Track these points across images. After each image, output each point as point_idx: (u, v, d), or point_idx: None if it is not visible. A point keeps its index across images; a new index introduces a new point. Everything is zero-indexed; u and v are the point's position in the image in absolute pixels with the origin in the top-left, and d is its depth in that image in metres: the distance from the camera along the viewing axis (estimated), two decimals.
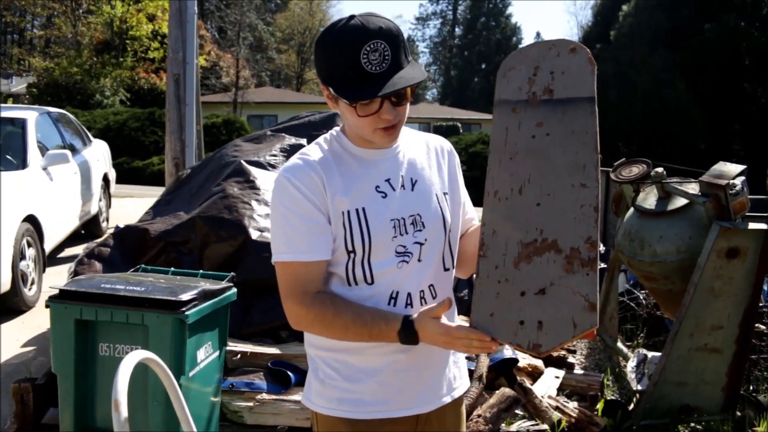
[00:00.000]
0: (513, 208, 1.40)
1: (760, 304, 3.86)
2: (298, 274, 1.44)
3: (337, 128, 1.55)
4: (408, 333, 1.39)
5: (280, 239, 1.45)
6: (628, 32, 30.18)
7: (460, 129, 29.60)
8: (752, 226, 3.44)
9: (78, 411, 2.64)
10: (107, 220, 8.31)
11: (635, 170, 4.02)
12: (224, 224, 4.15)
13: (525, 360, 3.89)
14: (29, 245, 5.18)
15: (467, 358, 2.25)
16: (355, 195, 1.45)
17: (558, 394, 3.66)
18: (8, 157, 5.74)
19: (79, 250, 5.81)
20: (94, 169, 7.67)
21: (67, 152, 6.32)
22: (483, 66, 57.37)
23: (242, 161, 4.72)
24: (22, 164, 5.71)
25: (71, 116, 8.16)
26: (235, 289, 3.01)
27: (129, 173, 18.11)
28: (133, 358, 1.28)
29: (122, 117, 21.49)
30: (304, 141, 5.07)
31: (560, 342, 1.30)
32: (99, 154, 8.24)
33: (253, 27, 36.11)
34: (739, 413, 3.57)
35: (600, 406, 3.52)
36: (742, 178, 3.47)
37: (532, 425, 3.32)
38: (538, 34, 68.34)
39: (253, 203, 4.32)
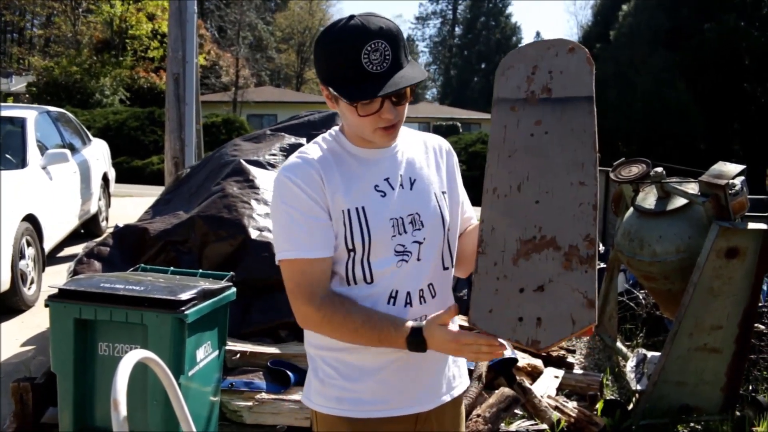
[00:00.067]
0: (512, 206, 1.41)
1: (760, 304, 3.86)
2: (305, 272, 1.43)
3: (336, 128, 1.55)
4: (416, 340, 1.39)
5: (284, 237, 1.45)
6: (628, 32, 30.19)
7: (460, 128, 29.60)
8: (752, 226, 3.44)
9: (77, 410, 2.64)
10: (107, 219, 8.31)
11: (635, 170, 4.02)
12: (224, 223, 4.15)
13: (524, 360, 3.89)
14: (29, 244, 5.18)
15: None
16: (355, 194, 1.45)
17: (557, 394, 3.66)
18: (8, 156, 5.73)
19: (78, 249, 5.81)
20: (94, 169, 7.67)
21: (67, 151, 6.32)
22: (483, 66, 57.38)
23: (242, 160, 4.72)
24: (22, 163, 5.70)
25: (71, 115, 8.16)
26: (234, 289, 3.01)
27: (128, 172, 18.10)
28: (132, 357, 1.28)
29: (122, 116, 21.49)
30: (303, 140, 5.06)
31: (559, 338, 1.30)
32: (98, 153, 8.23)
33: (253, 26, 36.10)
34: (738, 413, 3.57)
35: (599, 405, 3.52)
36: (742, 178, 3.47)
37: (532, 425, 3.32)
38: (537, 34, 68.35)
39: (253, 203, 4.32)
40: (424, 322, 1.40)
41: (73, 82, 23.13)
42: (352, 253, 1.45)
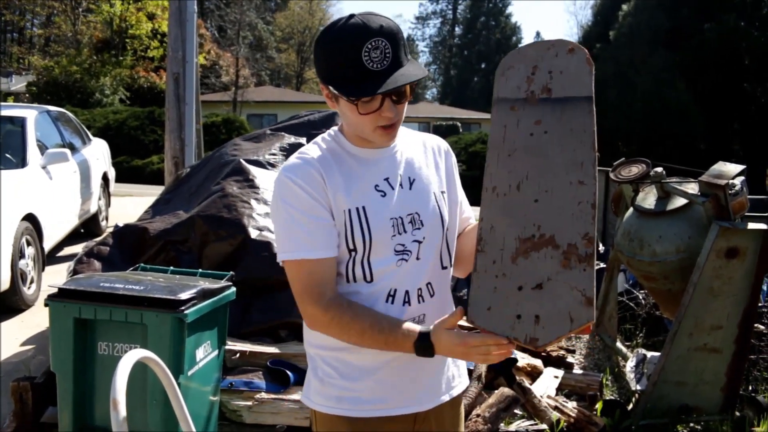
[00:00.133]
0: (511, 204, 1.42)
1: (759, 304, 3.86)
2: (312, 272, 1.43)
3: (335, 128, 1.55)
4: (424, 345, 1.39)
5: (288, 238, 1.44)
6: (628, 32, 30.19)
7: (460, 128, 29.60)
8: (751, 226, 3.44)
9: (77, 410, 2.64)
10: (107, 218, 8.31)
11: (635, 170, 4.02)
12: (223, 223, 4.15)
13: (524, 360, 3.89)
14: (28, 244, 5.18)
15: None
16: (355, 194, 1.45)
17: (557, 394, 3.66)
18: (8, 155, 5.73)
19: (78, 248, 5.80)
20: (94, 168, 7.67)
21: (67, 151, 6.32)
22: (483, 65, 57.38)
23: (241, 160, 4.72)
24: (22, 163, 5.70)
25: (71, 115, 8.16)
26: (234, 288, 3.01)
27: (128, 172, 18.09)
28: (131, 357, 1.28)
29: (122, 116, 21.48)
30: (303, 140, 5.07)
31: (557, 336, 1.31)
32: (98, 152, 8.23)
33: (253, 26, 36.09)
34: (738, 413, 3.57)
35: (599, 405, 3.52)
36: (742, 178, 3.47)
37: (531, 425, 3.32)
38: (537, 34, 68.37)
39: (253, 202, 4.32)
40: (431, 327, 1.40)
41: (73, 82, 23.13)
42: (353, 253, 1.46)
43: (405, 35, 1.44)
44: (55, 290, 2.62)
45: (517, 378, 3.56)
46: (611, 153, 18.01)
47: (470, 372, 3.41)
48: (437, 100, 54.89)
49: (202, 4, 33.03)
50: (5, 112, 6.26)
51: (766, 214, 3.99)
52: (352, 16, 1.38)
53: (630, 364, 4.16)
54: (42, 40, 32.69)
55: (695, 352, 3.55)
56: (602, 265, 5.25)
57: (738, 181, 3.43)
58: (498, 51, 53.71)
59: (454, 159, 1.67)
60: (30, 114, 6.37)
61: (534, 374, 3.87)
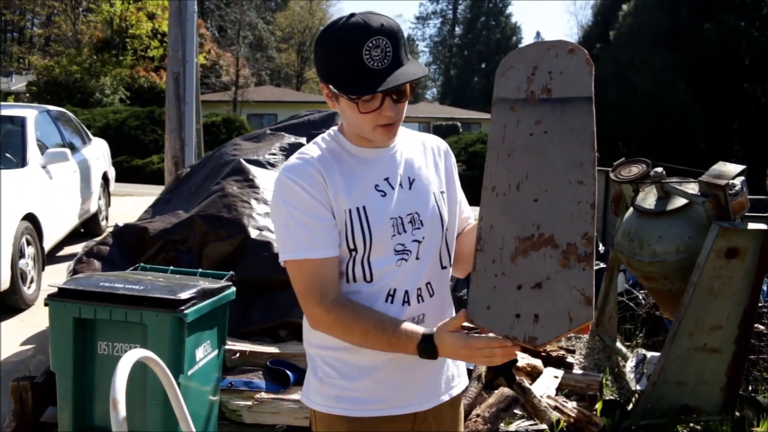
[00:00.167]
0: (510, 204, 1.42)
1: (759, 304, 3.86)
2: (314, 272, 1.42)
3: (334, 128, 1.55)
4: (427, 347, 1.38)
5: (290, 238, 1.44)
6: (628, 32, 30.19)
7: (460, 128, 29.60)
8: (751, 226, 3.44)
9: (76, 409, 2.64)
10: (106, 218, 8.31)
11: (635, 170, 4.02)
12: (223, 223, 4.15)
13: (524, 360, 3.89)
14: (28, 243, 5.18)
15: None
16: (356, 194, 1.46)
17: (557, 394, 3.66)
18: (8, 155, 5.73)
19: (78, 248, 5.80)
20: (94, 168, 7.67)
21: (67, 151, 6.32)
22: (483, 65, 57.38)
23: (241, 160, 4.72)
24: (22, 162, 5.70)
25: (71, 114, 8.16)
26: (234, 288, 3.01)
27: (128, 172, 18.09)
28: (131, 356, 1.28)
29: (122, 115, 21.48)
30: (303, 140, 5.07)
31: (556, 335, 1.31)
32: (98, 152, 8.23)
33: (253, 26, 36.08)
34: (738, 413, 3.57)
35: (599, 406, 3.52)
36: (742, 178, 3.47)
37: (531, 425, 3.32)
38: (538, 34, 68.38)
39: (253, 202, 4.32)
40: (435, 329, 1.39)
41: (73, 82, 23.12)
42: (353, 253, 1.46)
43: (405, 35, 1.44)
44: (55, 290, 2.62)
45: (517, 378, 3.56)
46: (611, 153, 18.00)
47: (470, 372, 3.41)
48: (437, 100, 54.89)
49: (203, 4, 33.04)
50: (5, 112, 6.26)
51: (766, 215, 3.99)
52: (352, 15, 1.39)
53: (630, 364, 4.16)
54: (42, 40, 32.69)
55: (695, 352, 3.55)
56: (602, 265, 5.25)
57: (738, 181, 3.43)
58: (498, 51, 53.70)
59: (453, 159, 1.67)
60: (30, 113, 6.37)
61: (534, 374, 3.87)
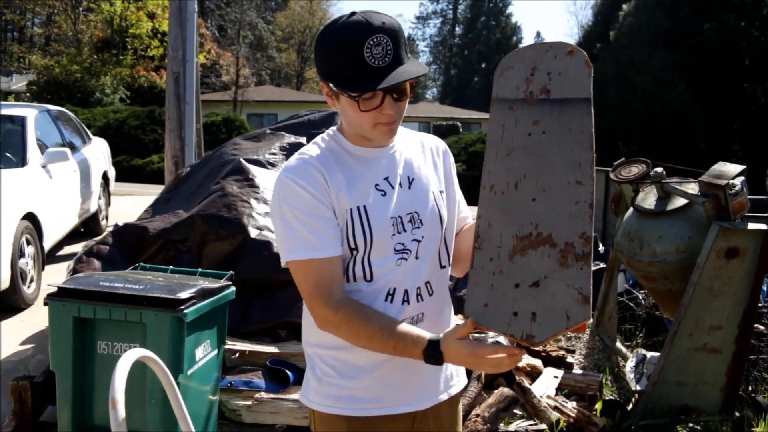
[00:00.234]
0: (509, 203, 1.43)
1: (759, 305, 3.86)
2: (320, 272, 1.42)
3: (333, 128, 1.55)
4: (433, 353, 1.38)
5: (294, 239, 1.43)
6: (628, 32, 30.17)
7: (460, 128, 29.60)
8: (751, 226, 3.44)
9: (76, 409, 2.64)
10: (106, 218, 8.31)
11: (635, 170, 4.02)
12: (223, 223, 4.15)
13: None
14: (28, 243, 5.18)
15: None
16: (357, 193, 1.46)
17: (557, 394, 3.66)
18: (8, 154, 5.73)
19: (78, 248, 5.81)
20: (94, 167, 7.67)
21: (67, 150, 6.32)
22: (483, 65, 57.37)
23: (241, 159, 4.72)
24: (22, 162, 5.70)
25: (71, 114, 8.16)
26: (233, 288, 3.01)
27: (128, 171, 18.09)
28: (130, 356, 1.28)
29: (122, 115, 21.48)
30: (303, 139, 5.07)
31: (553, 333, 1.31)
32: (98, 152, 8.24)
33: (254, 25, 36.09)
34: (737, 414, 3.57)
35: (599, 406, 3.52)
36: (742, 178, 3.47)
37: (531, 425, 3.32)
38: (538, 34, 68.41)
39: (253, 202, 4.32)
40: (441, 335, 1.39)
41: (73, 81, 23.12)
42: (354, 252, 1.46)
43: (405, 35, 1.45)
44: (55, 289, 2.62)
45: (517, 378, 3.56)
46: (611, 153, 18.00)
47: (469, 372, 3.41)
48: (437, 99, 54.89)
49: (203, 4, 33.02)
50: (5, 111, 6.26)
51: (766, 215, 3.99)
52: (353, 13, 1.39)
53: (630, 365, 4.16)
54: (42, 39, 32.68)
55: (695, 353, 3.55)
56: (602, 265, 5.25)
57: (738, 181, 3.43)
58: (498, 51, 53.69)
59: (452, 159, 1.68)
60: (30, 113, 6.37)
61: (534, 374, 3.87)
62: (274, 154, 4.91)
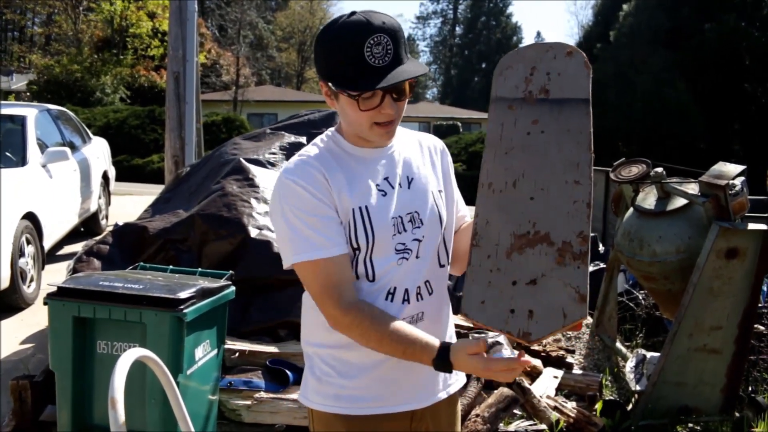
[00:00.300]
0: (507, 201, 1.43)
1: (759, 305, 3.86)
2: (328, 271, 1.42)
3: (332, 129, 1.55)
4: (443, 363, 1.38)
5: (299, 240, 1.42)
6: (629, 32, 30.15)
7: (460, 128, 29.60)
8: (752, 226, 3.44)
9: (76, 408, 2.64)
10: (106, 217, 8.31)
11: (635, 170, 4.01)
12: (223, 222, 4.15)
13: None
14: (28, 242, 5.18)
15: None
16: (358, 193, 1.46)
17: (556, 394, 3.66)
18: (8, 154, 5.73)
19: (78, 247, 5.81)
20: (94, 167, 7.67)
21: (67, 150, 6.32)
22: (483, 65, 57.36)
23: (241, 159, 4.72)
24: (22, 161, 5.70)
25: (71, 113, 8.16)
26: (233, 288, 3.01)
27: (129, 171, 18.09)
28: (130, 356, 1.28)
29: (122, 115, 21.48)
30: (303, 139, 5.07)
31: (550, 331, 1.32)
32: (99, 151, 8.23)
33: (254, 25, 36.09)
34: (737, 414, 3.57)
35: (598, 406, 3.52)
36: (742, 178, 3.47)
37: (531, 425, 3.32)
38: (538, 34, 68.40)
39: (253, 201, 4.32)
40: (451, 345, 1.39)
41: (73, 81, 23.13)
42: (356, 252, 1.46)
43: (406, 35, 1.45)
44: (55, 289, 2.62)
45: (517, 378, 3.56)
46: (611, 153, 17.99)
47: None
48: (438, 99, 54.89)
49: (203, 3, 33.05)
50: (6, 111, 6.26)
51: (766, 215, 3.98)
52: (353, 13, 1.39)
53: (630, 365, 4.16)
54: (43, 39, 32.70)
55: (695, 353, 3.55)
56: (602, 265, 5.25)
57: (738, 181, 3.43)
58: (498, 51, 53.64)
59: (449, 158, 1.68)
60: (30, 112, 6.37)
61: (533, 374, 3.87)
62: (274, 153, 4.91)
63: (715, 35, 26.96)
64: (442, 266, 1.57)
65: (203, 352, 2.79)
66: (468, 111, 35.05)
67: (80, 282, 2.65)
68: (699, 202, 3.52)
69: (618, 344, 4.57)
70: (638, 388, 3.83)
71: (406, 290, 1.49)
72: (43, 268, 5.52)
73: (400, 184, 1.51)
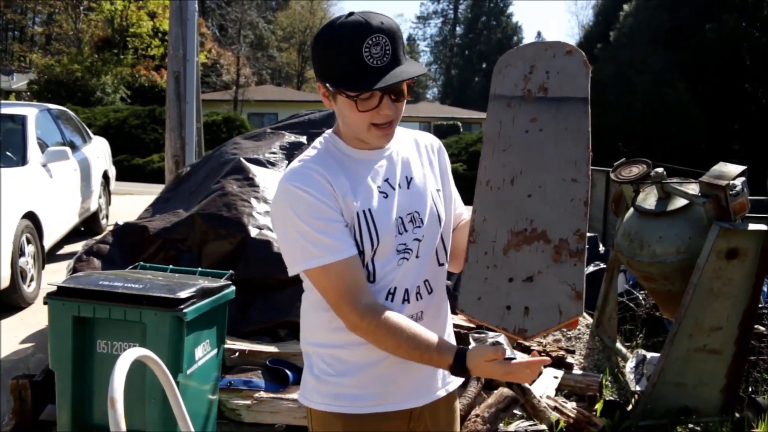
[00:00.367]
0: (504, 198, 1.44)
1: (760, 305, 3.86)
2: (342, 275, 1.41)
3: (329, 131, 1.55)
4: (460, 370, 1.39)
5: (309, 246, 1.41)
6: (629, 32, 30.14)
7: (461, 128, 29.60)
8: (752, 227, 3.44)
9: (75, 408, 2.64)
10: (107, 217, 8.31)
11: (635, 170, 4.01)
12: (223, 222, 4.15)
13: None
14: (29, 242, 5.18)
15: None
16: (362, 196, 1.46)
17: (556, 395, 3.66)
18: (8, 153, 5.74)
19: (78, 247, 5.81)
20: (94, 167, 7.67)
21: (67, 149, 6.32)
22: (484, 65, 57.33)
23: (242, 159, 4.72)
24: (22, 161, 5.70)
25: (71, 113, 8.16)
26: (233, 287, 3.01)
27: (129, 170, 18.09)
28: (130, 355, 1.28)
29: (122, 114, 21.48)
30: (303, 139, 5.07)
31: (545, 328, 1.33)
32: (99, 151, 8.23)
33: (254, 25, 36.09)
34: (737, 415, 3.56)
35: (598, 406, 3.52)
36: (743, 178, 3.47)
37: (531, 425, 3.32)
38: (539, 34, 68.41)
39: (253, 201, 4.32)
40: (467, 352, 1.39)
41: (74, 80, 23.13)
42: (361, 255, 1.46)
43: (406, 35, 1.45)
44: (55, 288, 2.62)
45: None
46: (611, 153, 17.97)
47: None
48: (438, 99, 54.86)
49: (204, 3, 33.05)
50: (6, 110, 6.26)
51: (766, 215, 3.98)
52: (351, 13, 1.39)
53: (630, 365, 4.15)
54: (43, 39, 32.71)
55: (695, 353, 3.55)
56: (602, 265, 5.25)
57: (739, 181, 3.43)
58: (499, 51, 53.49)
59: (446, 156, 1.68)
60: (31, 112, 6.38)
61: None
62: (274, 153, 4.91)
63: (715, 35, 26.95)
64: (440, 265, 1.57)
65: (203, 352, 2.79)
66: (468, 111, 35.03)
67: (80, 281, 2.65)
68: (699, 203, 3.52)
69: (618, 344, 4.57)
70: (638, 388, 3.83)
71: (406, 290, 1.50)
72: (43, 268, 5.52)
73: (399, 185, 1.51)
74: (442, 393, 1.60)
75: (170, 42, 7.44)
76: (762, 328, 4.16)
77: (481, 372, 1.37)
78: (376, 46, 1.35)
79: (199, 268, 3.24)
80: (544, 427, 3.29)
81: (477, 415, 3.13)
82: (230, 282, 3.01)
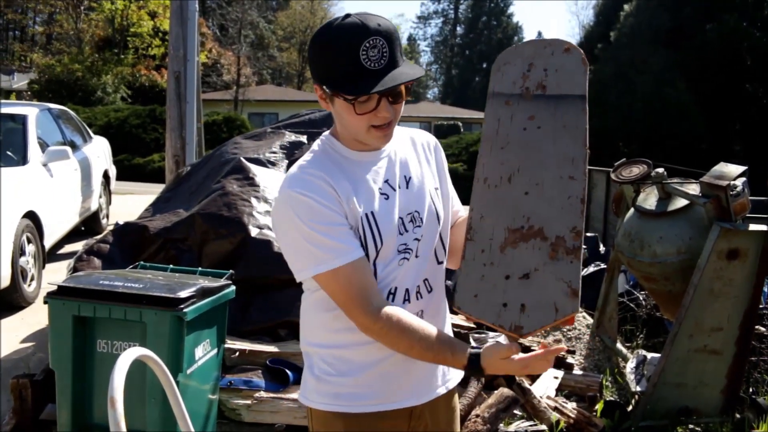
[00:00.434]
0: (502, 196, 1.44)
1: (760, 306, 3.85)
2: (351, 278, 1.40)
3: (326, 133, 1.54)
4: (475, 370, 1.39)
5: (317, 251, 1.40)
6: (629, 32, 30.12)
7: (461, 128, 29.61)
8: (753, 227, 3.43)
9: (75, 407, 2.64)
10: (107, 216, 8.31)
11: (635, 170, 4.01)
12: (223, 222, 4.15)
13: None
14: (29, 241, 5.18)
15: None
16: (364, 199, 1.46)
17: (557, 395, 3.66)
18: (9, 153, 5.74)
19: (78, 246, 5.81)
20: (95, 166, 7.67)
21: (68, 149, 6.32)
22: (484, 65, 57.27)
23: (242, 158, 4.72)
24: (23, 160, 5.70)
25: (72, 113, 8.16)
26: (233, 287, 3.01)
27: (129, 170, 18.10)
28: (130, 355, 1.27)
29: (123, 114, 21.49)
30: (304, 138, 5.07)
31: (542, 325, 1.33)
32: (99, 150, 8.24)
33: (255, 25, 36.09)
34: (738, 415, 3.56)
35: (599, 407, 3.52)
36: (743, 179, 3.47)
37: (531, 425, 3.31)
38: (539, 34, 68.35)
39: (253, 200, 4.32)
40: (480, 352, 1.39)
41: (74, 80, 23.15)
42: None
43: (406, 35, 1.46)
44: (55, 288, 2.62)
45: (517, 378, 3.56)
46: (612, 153, 17.96)
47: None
48: (438, 99, 54.85)
49: (204, 3, 33.05)
50: (7, 110, 6.26)
51: (767, 216, 3.98)
52: (348, 15, 1.38)
53: (630, 366, 4.15)
54: (44, 38, 32.74)
55: (695, 354, 3.54)
56: (603, 265, 5.25)
57: (739, 182, 3.42)
58: (499, 51, 51.98)
59: (443, 154, 1.68)
60: (31, 112, 6.38)
61: (534, 375, 3.86)
62: (274, 152, 4.91)
63: (716, 35, 26.94)
64: (439, 263, 1.58)
65: (203, 352, 2.79)
66: (469, 111, 35.04)
67: (80, 281, 2.65)
68: (700, 203, 3.52)
69: (618, 345, 4.56)
70: (638, 389, 3.83)
71: (407, 290, 1.50)
72: (43, 267, 5.52)
73: (399, 185, 1.51)
74: (442, 390, 1.60)
75: (171, 42, 7.45)
76: (763, 329, 4.16)
77: (496, 370, 1.38)
78: (373, 49, 1.34)
79: (200, 268, 3.24)
80: (544, 427, 3.29)
81: (477, 415, 3.13)
82: (230, 282, 3.01)
